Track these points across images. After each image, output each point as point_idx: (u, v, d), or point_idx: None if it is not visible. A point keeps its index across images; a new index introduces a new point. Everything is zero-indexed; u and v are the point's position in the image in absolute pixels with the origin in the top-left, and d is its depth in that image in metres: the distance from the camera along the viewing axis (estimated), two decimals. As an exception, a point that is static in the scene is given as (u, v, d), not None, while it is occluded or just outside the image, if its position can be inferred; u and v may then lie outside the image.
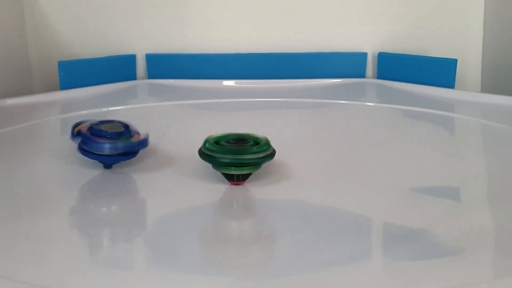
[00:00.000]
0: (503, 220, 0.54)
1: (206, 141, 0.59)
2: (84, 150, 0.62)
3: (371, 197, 0.59)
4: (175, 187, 0.61)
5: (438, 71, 0.97)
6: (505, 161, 0.68)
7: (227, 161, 0.58)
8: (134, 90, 1.01)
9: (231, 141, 0.59)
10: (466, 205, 0.58)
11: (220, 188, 0.59)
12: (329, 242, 0.50)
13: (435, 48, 1.04)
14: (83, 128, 0.62)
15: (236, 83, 1.02)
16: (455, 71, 0.95)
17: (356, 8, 1.06)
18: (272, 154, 0.59)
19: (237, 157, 0.57)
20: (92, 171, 0.63)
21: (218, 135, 0.60)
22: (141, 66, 1.05)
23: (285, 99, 0.95)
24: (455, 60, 0.96)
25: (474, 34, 1.06)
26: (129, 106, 0.92)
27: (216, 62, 1.04)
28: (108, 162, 0.63)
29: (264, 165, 0.60)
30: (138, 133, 0.63)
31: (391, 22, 1.06)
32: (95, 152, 0.61)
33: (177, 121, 0.86)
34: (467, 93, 0.95)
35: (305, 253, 0.48)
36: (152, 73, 1.04)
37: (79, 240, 0.52)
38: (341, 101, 0.93)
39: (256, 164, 0.58)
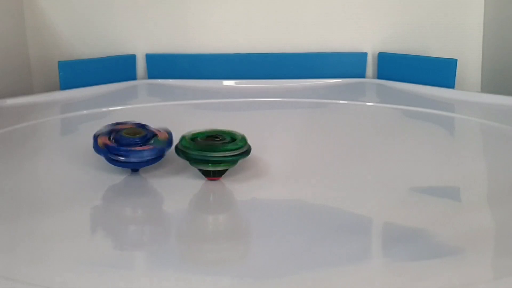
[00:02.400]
0: (503, 220, 0.54)
1: (182, 138, 0.60)
2: (114, 160, 0.61)
3: (370, 197, 0.59)
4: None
5: (438, 71, 0.97)
6: (505, 161, 0.68)
7: (201, 158, 0.58)
8: (134, 90, 1.01)
9: (208, 138, 0.60)
10: (466, 205, 0.58)
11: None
12: (328, 242, 0.50)
13: (435, 48, 1.04)
14: (104, 139, 0.61)
15: (236, 83, 1.02)
16: (455, 71, 0.95)
17: (356, 8, 1.05)
18: (247, 151, 0.60)
19: (211, 154, 0.58)
20: (91, 171, 0.63)
21: (195, 131, 0.61)
22: (141, 66, 1.05)
23: (285, 99, 0.95)
24: (455, 60, 0.96)
25: (474, 34, 1.05)
26: (129, 106, 0.92)
27: (216, 62, 1.04)
28: (138, 167, 0.62)
29: (266, 164, 0.60)
30: (160, 131, 0.63)
31: (391, 22, 1.06)
32: (134, 161, 0.61)
33: (177, 121, 0.86)
34: (467, 93, 0.95)
35: (305, 253, 0.48)
36: (152, 73, 1.04)
37: (79, 240, 0.52)
38: (341, 101, 0.93)
39: (231, 161, 0.59)
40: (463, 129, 0.84)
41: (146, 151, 0.60)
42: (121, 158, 0.60)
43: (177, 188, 0.60)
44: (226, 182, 0.60)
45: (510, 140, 0.76)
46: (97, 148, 0.61)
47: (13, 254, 0.48)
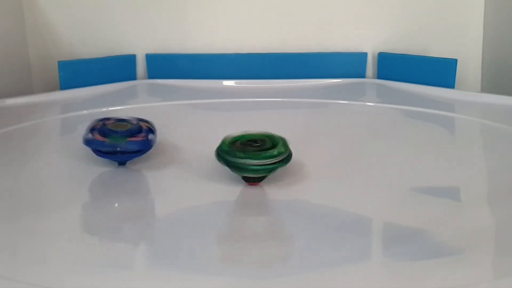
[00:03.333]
0: (503, 220, 0.54)
1: (223, 143, 0.59)
2: (96, 150, 0.62)
3: (371, 197, 0.59)
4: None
5: (438, 71, 0.97)
6: (505, 161, 0.68)
7: (247, 166, 0.57)
8: (134, 90, 1.01)
9: (248, 142, 0.59)
10: (466, 205, 0.59)
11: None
12: (329, 242, 0.50)
13: (435, 48, 1.04)
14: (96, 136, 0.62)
15: (236, 83, 1.02)
16: (455, 71, 0.95)
17: (356, 8, 1.05)
18: (289, 156, 0.59)
19: (255, 162, 0.57)
20: (91, 170, 0.63)
21: (235, 135, 0.60)
22: (141, 66, 1.05)
23: (285, 99, 0.95)
24: (455, 60, 0.96)
25: (474, 34, 1.05)
26: (129, 106, 0.92)
27: (216, 62, 1.04)
28: (118, 160, 0.63)
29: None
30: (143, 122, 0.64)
31: (391, 22, 1.06)
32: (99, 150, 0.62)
33: (177, 121, 0.86)
34: (467, 93, 0.95)
35: (306, 253, 0.48)
36: (152, 73, 1.04)
37: (79, 240, 0.52)
38: (341, 101, 0.93)
39: (274, 169, 0.59)
40: (463, 129, 0.84)
41: (141, 141, 0.62)
42: (118, 148, 0.61)
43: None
44: (224, 183, 0.60)
45: (510, 140, 0.76)
46: (91, 141, 0.62)
47: (13, 254, 0.48)
